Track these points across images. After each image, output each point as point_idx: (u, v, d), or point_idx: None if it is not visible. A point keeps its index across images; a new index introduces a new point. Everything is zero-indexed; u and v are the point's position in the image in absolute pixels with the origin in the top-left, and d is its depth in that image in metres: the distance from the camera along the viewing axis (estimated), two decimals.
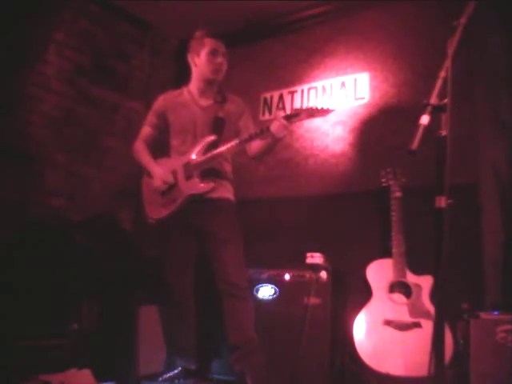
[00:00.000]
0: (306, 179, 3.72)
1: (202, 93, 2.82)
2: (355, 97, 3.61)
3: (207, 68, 2.75)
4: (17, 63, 3.34)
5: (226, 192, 2.79)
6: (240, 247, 2.72)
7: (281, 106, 3.94)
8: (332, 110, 2.48)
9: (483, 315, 2.33)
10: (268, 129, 2.52)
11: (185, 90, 2.87)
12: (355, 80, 3.63)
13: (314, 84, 3.82)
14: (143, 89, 4.23)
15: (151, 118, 2.90)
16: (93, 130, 3.81)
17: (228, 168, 2.84)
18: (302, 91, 3.86)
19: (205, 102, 2.81)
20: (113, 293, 3.02)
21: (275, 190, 3.82)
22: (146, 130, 2.91)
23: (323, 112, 2.47)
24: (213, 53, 2.74)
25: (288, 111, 3.38)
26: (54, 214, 3.38)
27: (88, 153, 3.77)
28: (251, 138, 2.63)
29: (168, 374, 2.79)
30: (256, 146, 2.73)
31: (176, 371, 2.78)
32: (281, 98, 3.95)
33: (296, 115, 2.49)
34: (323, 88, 3.77)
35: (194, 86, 2.84)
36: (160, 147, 2.94)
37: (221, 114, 2.75)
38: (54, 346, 2.72)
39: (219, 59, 2.74)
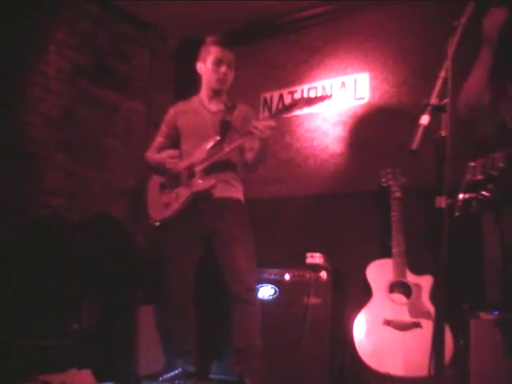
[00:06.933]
0: (305, 179, 3.72)
1: (212, 99, 2.85)
2: (355, 97, 3.62)
3: (212, 77, 2.78)
4: (17, 63, 3.34)
5: (236, 192, 2.81)
6: (251, 247, 2.72)
7: (281, 106, 3.94)
8: (329, 96, 2.57)
9: (483, 315, 2.33)
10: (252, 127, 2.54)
11: (195, 98, 2.91)
12: (355, 80, 3.63)
13: (314, 84, 3.82)
14: (143, 89, 4.23)
15: (163, 128, 2.95)
16: (93, 130, 3.81)
17: (238, 168, 2.84)
18: (302, 91, 3.86)
19: (214, 107, 2.84)
20: (113, 293, 3.02)
21: (275, 190, 3.82)
22: (158, 140, 2.96)
23: (320, 99, 2.52)
24: (217, 62, 2.74)
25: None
26: (53, 214, 3.38)
27: (88, 153, 3.76)
28: (245, 134, 2.61)
29: (168, 375, 2.79)
30: (249, 154, 2.75)
31: (176, 372, 2.78)
32: (281, 97, 3.95)
33: (294, 104, 2.54)
34: (323, 88, 3.76)
35: (203, 92, 2.88)
36: None
37: (228, 119, 2.78)
38: (54, 346, 2.72)
39: (223, 69, 2.75)
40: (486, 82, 2.08)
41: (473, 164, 2.07)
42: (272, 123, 2.52)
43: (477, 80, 2.09)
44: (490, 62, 2.06)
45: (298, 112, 2.72)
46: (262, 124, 2.52)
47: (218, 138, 2.70)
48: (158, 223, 2.82)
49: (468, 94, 2.11)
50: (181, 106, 2.94)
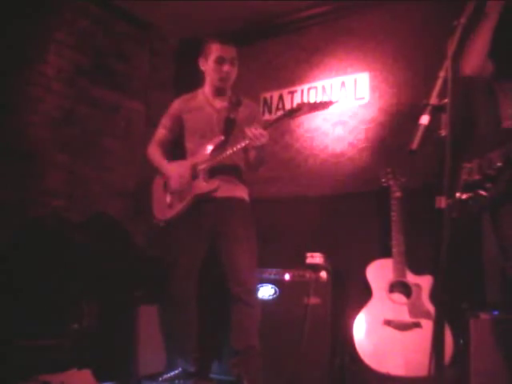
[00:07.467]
0: (305, 179, 3.72)
1: (217, 95, 2.80)
2: (355, 97, 3.62)
3: (214, 76, 2.73)
4: (17, 63, 3.34)
5: (240, 191, 2.77)
6: (254, 247, 2.69)
7: (280, 106, 3.94)
8: (334, 102, 2.50)
9: (483, 315, 2.33)
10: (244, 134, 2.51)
11: (200, 93, 2.85)
12: (355, 80, 3.63)
13: (314, 84, 3.82)
14: (143, 89, 4.23)
15: (166, 120, 2.87)
16: (93, 130, 3.81)
17: (242, 167, 2.81)
18: (302, 91, 3.86)
19: (219, 104, 2.79)
20: (113, 293, 3.02)
21: (275, 190, 3.82)
22: (161, 133, 2.88)
23: (325, 104, 2.48)
24: (219, 60, 2.69)
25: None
26: (53, 214, 3.38)
27: (88, 153, 3.76)
28: (245, 140, 2.58)
29: (168, 375, 2.79)
30: (252, 153, 2.73)
31: (176, 371, 2.78)
32: (281, 98, 3.95)
33: (298, 110, 2.49)
34: (323, 88, 3.77)
35: (207, 88, 2.83)
36: (176, 152, 2.92)
37: (233, 116, 2.74)
38: (54, 346, 2.72)
39: (226, 67, 2.69)
40: (491, 40, 2.01)
41: (469, 165, 2.06)
42: (263, 132, 2.47)
43: (484, 38, 2.01)
44: (497, 18, 1.98)
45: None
46: (253, 132, 2.47)
47: (222, 137, 2.67)
48: (162, 223, 2.79)
49: (475, 52, 2.02)
50: (186, 100, 2.87)
